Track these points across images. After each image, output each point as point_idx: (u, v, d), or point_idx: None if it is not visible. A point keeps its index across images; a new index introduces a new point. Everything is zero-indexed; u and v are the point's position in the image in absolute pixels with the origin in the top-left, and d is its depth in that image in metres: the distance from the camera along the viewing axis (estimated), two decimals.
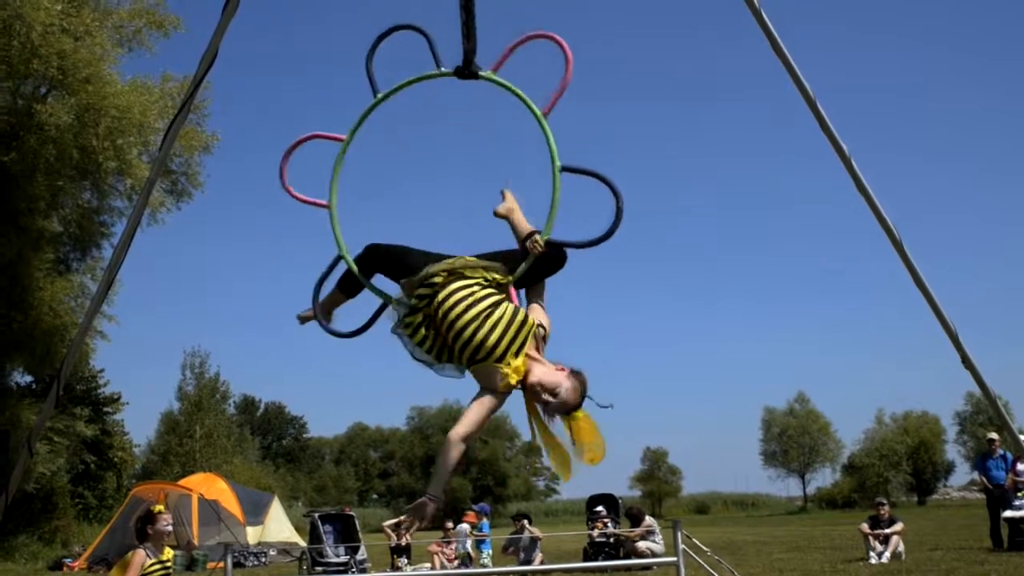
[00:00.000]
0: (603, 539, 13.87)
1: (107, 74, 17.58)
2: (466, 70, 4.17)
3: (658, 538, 14.02)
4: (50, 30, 16.59)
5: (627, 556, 13.73)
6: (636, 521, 14.05)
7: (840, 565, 12.46)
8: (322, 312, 4.11)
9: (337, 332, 4.12)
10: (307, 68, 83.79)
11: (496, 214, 4.15)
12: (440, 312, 3.66)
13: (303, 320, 4.18)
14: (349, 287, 4.10)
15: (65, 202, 19.26)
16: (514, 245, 4.01)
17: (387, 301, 4.00)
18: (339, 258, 4.09)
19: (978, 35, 75.29)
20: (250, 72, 78.72)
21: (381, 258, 3.99)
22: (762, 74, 69.04)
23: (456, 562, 14.59)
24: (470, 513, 16.36)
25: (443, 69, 4.24)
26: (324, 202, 4.13)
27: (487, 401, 3.67)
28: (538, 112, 4.17)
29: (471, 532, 15.38)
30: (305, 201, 4.21)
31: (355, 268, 3.98)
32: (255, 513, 20.91)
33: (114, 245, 6.05)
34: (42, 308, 18.73)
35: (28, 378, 24.06)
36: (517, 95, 4.20)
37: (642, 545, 13.54)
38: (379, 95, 4.20)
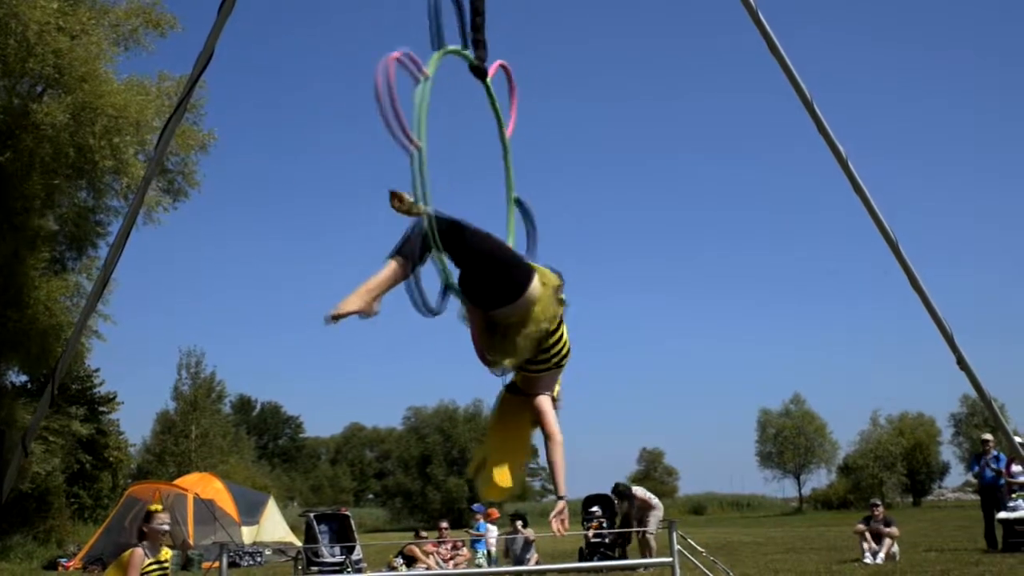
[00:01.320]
0: (599, 539, 13.88)
1: (103, 73, 17.52)
2: (481, 69, 4.19)
3: (654, 500, 14.01)
4: (46, 28, 16.52)
5: (624, 553, 13.74)
6: (628, 498, 14.02)
7: (835, 566, 12.49)
8: (366, 303, 3.53)
9: (430, 308, 3.62)
10: (304, 68, 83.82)
11: (420, 212, 3.70)
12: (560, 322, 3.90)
13: (337, 318, 3.51)
14: (414, 255, 3.58)
15: (61, 201, 19.20)
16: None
17: (450, 288, 3.68)
18: (425, 217, 3.53)
19: (975, 36, 75.48)
20: (247, 71, 78.76)
21: (465, 238, 3.64)
22: (761, 73, 69.18)
23: (451, 563, 14.57)
24: (494, 510, 16.46)
25: (469, 55, 4.14)
26: (417, 142, 3.54)
27: (550, 400, 3.94)
28: (508, 144, 4.31)
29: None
30: (405, 135, 3.50)
31: (435, 236, 3.53)
32: (251, 513, 20.91)
33: (110, 244, 6.05)
34: (37, 307, 18.68)
35: (23, 377, 24.01)
36: (499, 122, 4.30)
37: (652, 524, 13.50)
38: (446, 47, 3.92)
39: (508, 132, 4.35)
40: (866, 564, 12.60)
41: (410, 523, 18.66)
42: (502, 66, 4.40)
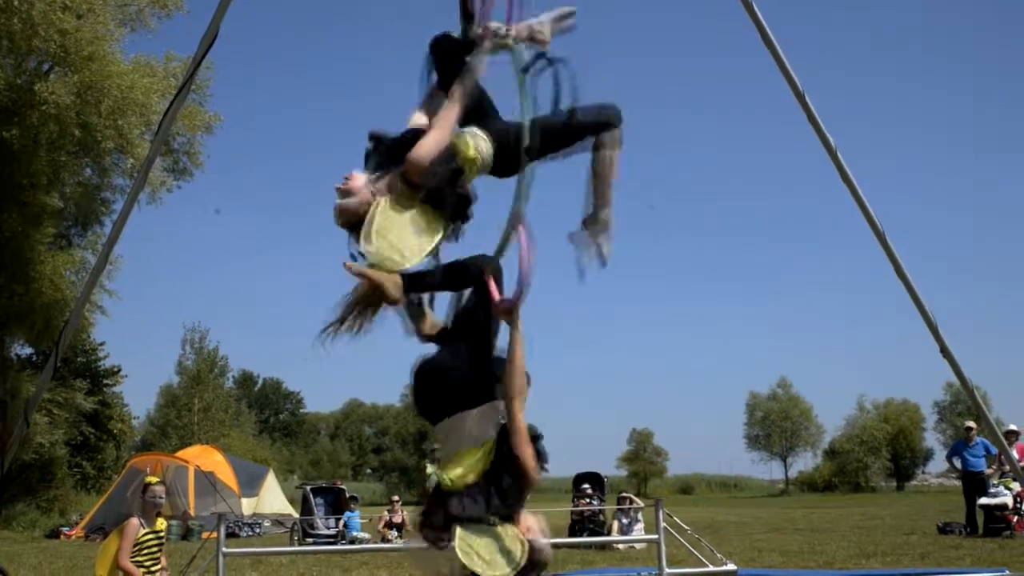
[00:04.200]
0: (588, 515, 14.15)
1: (110, 53, 17.62)
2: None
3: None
4: (51, 7, 16.61)
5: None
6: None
7: (818, 546, 12.69)
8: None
9: None
10: (310, 44, 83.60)
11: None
12: None
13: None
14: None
15: (67, 178, 19.36)
16: None
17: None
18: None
19: (976, 29, 75.16)
20: (253, 47, 78.61)
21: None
22: (751, 63, 68.89)
23: None
24: None
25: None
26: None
27: None
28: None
29: None
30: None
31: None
32: (250, 485, 21.26)
33: (115, 221, 6.26)
34: (43, 281, 18.90)
35: (28, 350, 24.35)
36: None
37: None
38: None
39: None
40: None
41: (407, 497, 19.04)
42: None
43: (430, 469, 3.32)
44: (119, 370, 31.25)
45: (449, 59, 3.82)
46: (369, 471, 66.46)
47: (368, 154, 3.69)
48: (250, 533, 18.88)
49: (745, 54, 68.69)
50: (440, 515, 3.14)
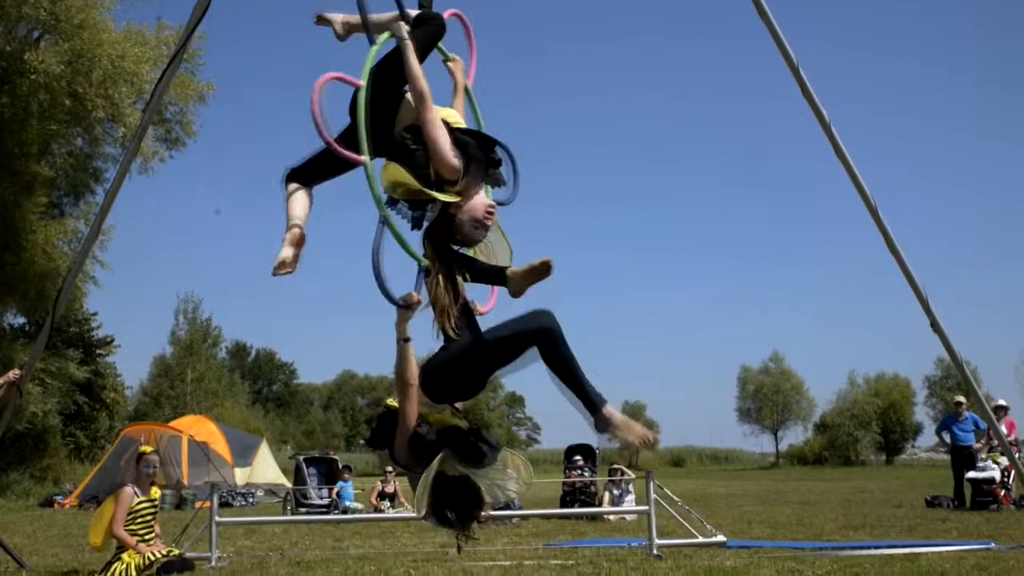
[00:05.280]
0: (580, 486, 14.25)
1: (100, 21, 17.44)
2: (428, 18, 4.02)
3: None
4: None
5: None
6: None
7: (807, 519, 12.81)
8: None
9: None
10: (303, 11, 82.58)
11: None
12: None
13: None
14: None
15: (58, 148, 19.24)
16: None
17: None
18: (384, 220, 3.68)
19: (957, 9, 74.87)
20: (248, 15, 77.83)
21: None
22: (745, 38, 68.58)
23: None
24: None
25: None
26: (362, 158, 3.62)
27: None
28: (470, 91, 4.22)
29: None
30: (346, 156, 3.66)
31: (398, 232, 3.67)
32: (244, 455, 21.36)
33: (107, 191, 6.23)
34: (35, 251, 18.86)
35: (21, 320, 24.30)
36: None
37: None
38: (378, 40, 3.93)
39: (469, 80, 4.28)
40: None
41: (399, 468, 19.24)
42: (456, 15, 4.29)
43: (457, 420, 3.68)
44: (112, 340, 31.23)
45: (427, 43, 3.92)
46: (362, 442, 66.85)
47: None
48: (243, 503, 19.00)
49: (743, 29, 68.44)
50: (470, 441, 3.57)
